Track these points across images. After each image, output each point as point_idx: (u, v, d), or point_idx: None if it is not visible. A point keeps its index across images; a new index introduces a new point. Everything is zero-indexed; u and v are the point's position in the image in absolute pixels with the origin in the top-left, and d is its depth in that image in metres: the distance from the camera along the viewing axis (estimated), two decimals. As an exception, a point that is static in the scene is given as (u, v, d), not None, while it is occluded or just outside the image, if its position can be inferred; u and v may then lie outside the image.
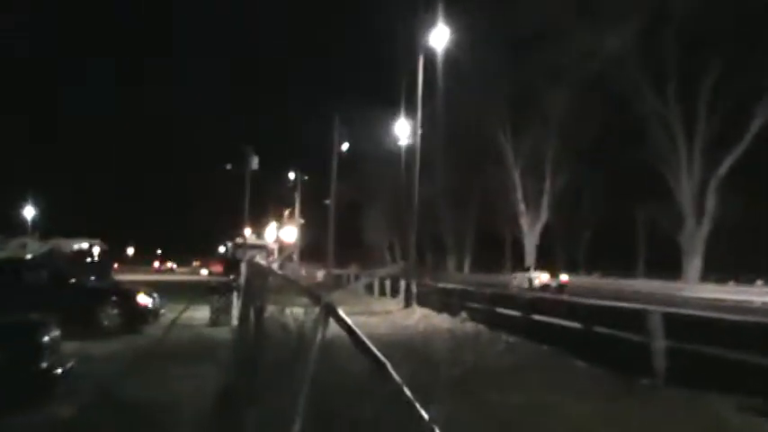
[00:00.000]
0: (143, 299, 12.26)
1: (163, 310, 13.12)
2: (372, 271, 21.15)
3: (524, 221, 42.75)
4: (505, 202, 44.30)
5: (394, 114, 27.39)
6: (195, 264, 69.62)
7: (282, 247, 48.61)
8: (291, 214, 55.00)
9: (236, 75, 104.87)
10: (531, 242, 42.52)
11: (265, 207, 63.48)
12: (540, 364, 8.86)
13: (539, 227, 42.59)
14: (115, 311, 11.72)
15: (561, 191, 43.12)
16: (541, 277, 31.89)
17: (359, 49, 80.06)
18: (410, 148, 24.23)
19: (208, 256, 63.93)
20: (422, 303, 18.53)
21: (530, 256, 42.08)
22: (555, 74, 35.24)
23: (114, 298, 11.98)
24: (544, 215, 42.42)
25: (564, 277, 32.36)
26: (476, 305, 15.00)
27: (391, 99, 34.52)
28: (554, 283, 30.88)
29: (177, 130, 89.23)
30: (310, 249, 54.69)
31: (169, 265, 76.18)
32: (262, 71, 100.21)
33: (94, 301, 11.75)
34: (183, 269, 71.39)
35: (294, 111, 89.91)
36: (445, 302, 17.08)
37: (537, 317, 11.86)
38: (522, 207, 42.64)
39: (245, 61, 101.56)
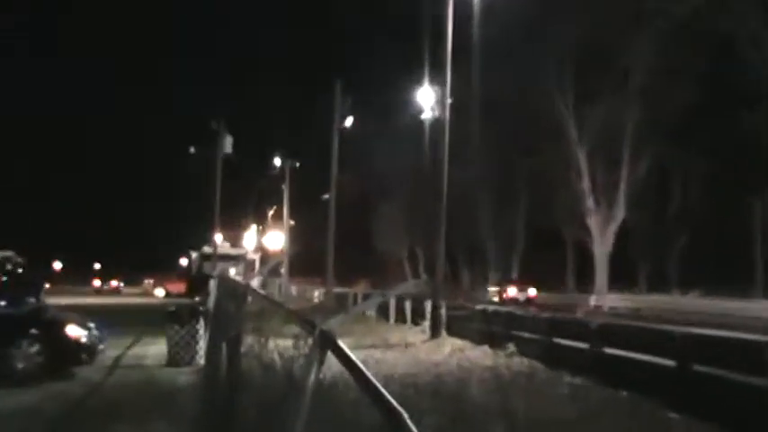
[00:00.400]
0: (75, 330, 12.16)
1: (102, 346, 13.19)
2: (387, 290, 21.16)
3: (593, 221, 42.51)
4: (567, 196, 44.09)
5: (416, 82, 27.52)
6: (147, 282, 70.33)
7: (266, 258, 48.83)
8: (278, 214, 55.26)
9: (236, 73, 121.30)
10: (602, 250, 42.28)
11: (244, 206, 63.97)
12: (617, 415, 8.78)
13: (613, 228, 42.32)
14: (35, 348, 11.59)
15: (644, 179, 42.83)
16: (508, 291, 42.12)
17: (371, 6, 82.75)
18: (437, 124, 24.21)
19: (164, 271, 64.55)
20: (454, 332, 18.73)
21: (601, 269, 41.87)
22: (636, 18, 35.00)
23: (34, 330, 11.86)
24: (620, 213, 42.14)
25: (532, 291, 42.71)
26: (527, 334, 15.13)
27: (413, 63, 34.60)
28: (522, 298, 40.95)
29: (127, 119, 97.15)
30: (303, 260, 54.91)
31: (114, 284, 76.98)
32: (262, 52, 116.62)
33: (4, 335, 11.63)
34: (131, 289, 72.10)
35: (295, 92, 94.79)
36: (486, 331, 17.24)
37: (611, 350, 11.82)
38: (590, 202, 42.40)
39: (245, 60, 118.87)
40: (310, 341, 2.56)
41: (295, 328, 3.33)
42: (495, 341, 15.76)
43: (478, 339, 16.84)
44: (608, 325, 14.59)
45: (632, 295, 41.36)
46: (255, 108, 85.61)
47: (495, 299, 42.27)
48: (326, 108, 35.07)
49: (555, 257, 54.20)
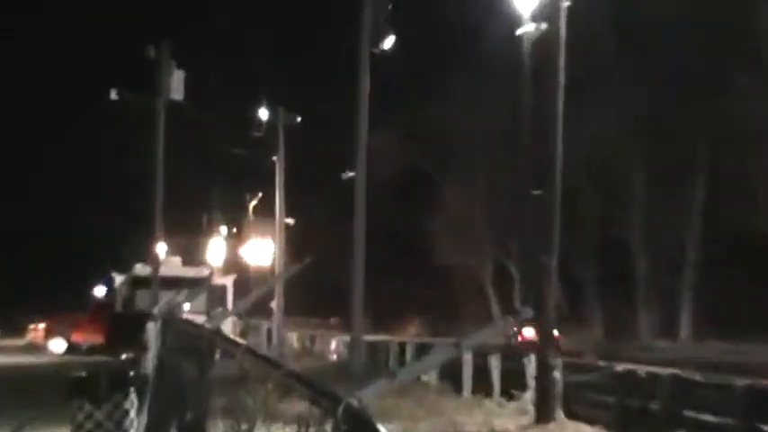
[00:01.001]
0: None
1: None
2: (459, 339, 21.33)
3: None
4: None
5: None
6: (35, 327, 71.35)
7: (244, 283, 49.19)
8: (266, 208, 55.68)
9: None
10: None
11: (205, 195, 64.65)
12: None
13: None
14: None
15: None
16: (524, 332, 47.25)
17: None
18: (543, 47, 24.24)
19: (67, 309, 65.28)
20: (577, 411, 18.92)
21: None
22: None
23: None
24: None
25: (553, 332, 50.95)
26: (710, 417, 15.16)
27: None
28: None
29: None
30: (309, 288, 55.29)
31: None
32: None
33: None
34: (10, 340, 73.31)
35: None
36: (634, 408, 17.32)
37: None
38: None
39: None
40: (329, 427, 2.58)
41: (301, 405, 3.35)
42: (651, 428, 15.65)
43: (620, 425, 16.87)
44: None
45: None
46: (224, 26, 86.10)
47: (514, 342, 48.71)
48: (349, 24, 35.29)
49: (757, 283, 53.66)
